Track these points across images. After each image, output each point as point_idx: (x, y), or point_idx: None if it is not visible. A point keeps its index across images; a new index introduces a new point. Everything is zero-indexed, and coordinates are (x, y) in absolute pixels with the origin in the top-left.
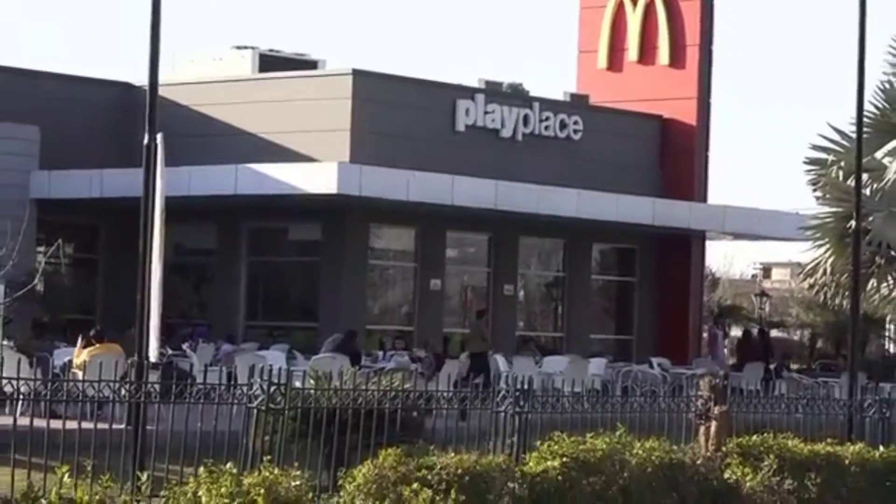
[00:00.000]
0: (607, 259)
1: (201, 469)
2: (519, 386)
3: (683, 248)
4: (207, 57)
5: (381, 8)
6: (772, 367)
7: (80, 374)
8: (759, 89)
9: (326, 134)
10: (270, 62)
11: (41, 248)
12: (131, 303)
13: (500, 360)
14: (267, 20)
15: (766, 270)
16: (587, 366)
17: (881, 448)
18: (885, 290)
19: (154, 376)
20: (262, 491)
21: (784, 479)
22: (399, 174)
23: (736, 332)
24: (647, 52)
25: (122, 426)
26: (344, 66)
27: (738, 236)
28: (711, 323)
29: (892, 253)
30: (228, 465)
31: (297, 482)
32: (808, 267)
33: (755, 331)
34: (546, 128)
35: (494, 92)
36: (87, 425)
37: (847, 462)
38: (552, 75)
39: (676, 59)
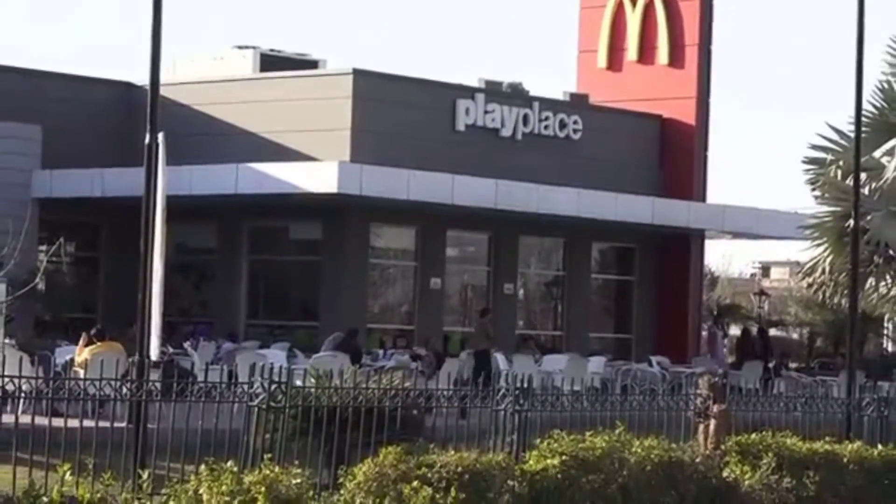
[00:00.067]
0: (607, 258)
1: (202, 467)
2: (519, 384)
3: (682, 247)
4: (208, 56)
5: (381, 8)
6: (770, 365)
7: (81, 373)
8: (758, 89)
9: (327, 133)
10: (271, 62)
11: (43, 247)
12: (132, 301)
13: (499, 359)
14: (268, 20)
15: (765, 269)
16: (587, 364)
17: (879, 446)
18: (883, 289)
19: (155, 375)
20: (263, 489)
21: (783, 478)
22: (399, 173)
23: (735, 330)
24: (646, 52)
25: (124, 424)
26: (344, 66)
27: (736, 235)
28: (710, 322)
29: (891, 252)
30: (229, 463)
31: (298, 480)
32: (807, 266)
33: (754, 330)
34: (546, 127)
35: (494, 91)
36: (88, 423)
37: (845, 460)
38: (552, 75)
39: (676, 58)
